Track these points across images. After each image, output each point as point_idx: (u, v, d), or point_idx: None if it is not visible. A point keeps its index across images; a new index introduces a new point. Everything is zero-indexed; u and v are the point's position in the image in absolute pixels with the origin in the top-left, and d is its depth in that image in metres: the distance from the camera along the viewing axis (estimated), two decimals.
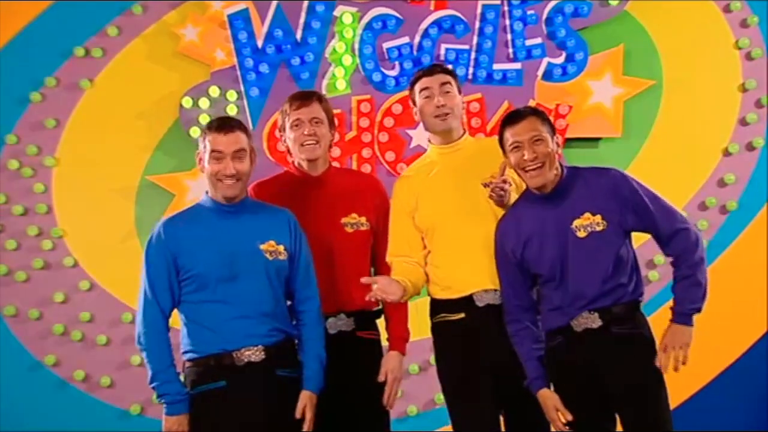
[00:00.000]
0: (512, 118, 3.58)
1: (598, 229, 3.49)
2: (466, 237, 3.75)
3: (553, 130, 3.59)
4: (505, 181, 3.66)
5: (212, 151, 3.53)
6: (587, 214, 3.51)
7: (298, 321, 3.65)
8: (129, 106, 5.46)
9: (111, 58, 5.47)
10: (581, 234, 3.50)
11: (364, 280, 3.63)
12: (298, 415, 3.53)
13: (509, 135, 3.55)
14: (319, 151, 3.86)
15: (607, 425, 3.55)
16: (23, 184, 5.41)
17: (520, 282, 3.63)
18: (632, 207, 3.51)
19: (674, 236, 3.51)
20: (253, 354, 3.49)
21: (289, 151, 3.94)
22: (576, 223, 3.51)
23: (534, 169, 3.51)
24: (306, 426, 3.53)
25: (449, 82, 3.84)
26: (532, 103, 5.44)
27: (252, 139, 3.66)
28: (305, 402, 3.55)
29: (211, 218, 3.57)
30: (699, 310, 3.49)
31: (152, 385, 3.49)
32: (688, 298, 3.48)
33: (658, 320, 3.59)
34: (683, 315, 3.47)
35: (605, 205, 3.50)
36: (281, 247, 3.58)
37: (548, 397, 3.55)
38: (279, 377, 3.52)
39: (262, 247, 3.55)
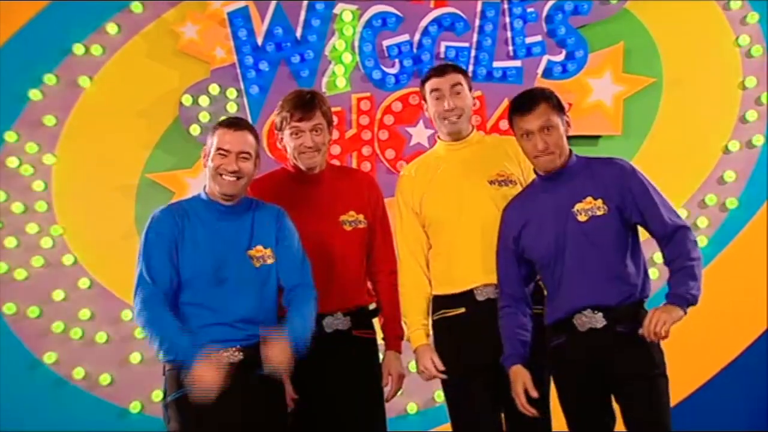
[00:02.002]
0: (522, 105, 3.56)
1: (598, 213, 3.49)
2: (468, 232, 3.77)
3: (562, 111, 3.58)
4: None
5: (218, 148, 3.51)
6: (589, 198, 3.50)
7: (286, 305, 3.58)
8: (129, 104, 5.46)
9: (111, 55, 5.47)
10: (582, 218, 3.49)
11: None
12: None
13: (519, 122, 3.55)
14: (318, 158, 3.86)
15: (606, 421, 3.55)
16: (23, 182, 5.41)
17: (515, 272, 3.63)
18: (635, 198, 3.49)
19: (676, 233, 3.48)
20: (231, 355, 3.45)
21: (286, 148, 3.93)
22: (577, 206, 3.50)
23: (544, 156, 3.51)
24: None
25: (460, 83, 3.85)
26: None
27: (260, 144, 3.62)
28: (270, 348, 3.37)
29: (206, 218, 3.54)
30: (694, 299, 3.41)
31: (161, 353, 3.38)
32: (685, 285, 3.41)
33: None
34: (677, 296, 3.40)
35: (608, 191, 3.50)
36: (269, 251, 3.55)
37: (519, 374, 3.55)
38: (259, 376, 3.45)
39: (250, 253, 3.52)
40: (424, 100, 3.92)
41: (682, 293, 3.40)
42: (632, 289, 3.48)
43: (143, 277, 3.45)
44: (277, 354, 3.35)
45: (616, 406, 3.54)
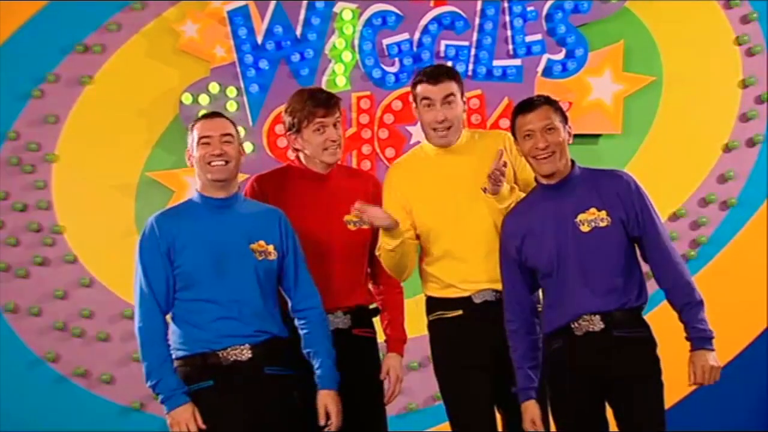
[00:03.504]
0: (525, 106, 3.56)
1: (602, 224, 3.48)
2: (464, 242, 3.73)
3: (565, 119, 3.58)
4: (505, 165, 3.61)
5: (200, 137, 3.54)
6: (593, 209, 3.50)
7: (301, 320, 3.62)
8: (129, 103, 5.46)
9: (111, 54, 5.47)
10: (585, 228, 3.49)
11: (357, 205, 3.58)
12: (321, 418, 3.51)
13: (521, 123, 3.54)
14: (340, 154, 3.86)
15: (601, 427, 3.56)
16: (23, 180, 5.42)
17: (521, 282, 3.61)
18: (636, 214, 3.50)
19: (663, 256, 3.51)
20: (239, 353, 3.46)
21: (295, 148, 3.89)
22: (580, 217, 3.50)
23: (545, 158, 3.51)
24: (333, 425, 3.52)
25: (453, 93, 3.73)
26: None
27: (239, 134, 3.64)
28: (325, 402, 3.53)
29: (202, 214, 3.55)
30: (713, 332, 3.47)
31: (148, 383, 3.47)
32: (700, 322, 3.46)
33: (654, 319, 3.60)
34: (702, 340, 3.45)
35: (612, 203, 3.50)
36: (271, 247, 3.55)
37: (530, 410, 3.55)
38: (267, 375, 3.48)
39: (252, 246, 3.53)
40: (414, 102, 3.82)
41: (702, 336, 3.45)
42: (629, 297, 3.49)
43: (143, 288, 3.50)
44: (331, 405, 3.54)
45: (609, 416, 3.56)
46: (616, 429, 3.53)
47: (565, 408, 3.53)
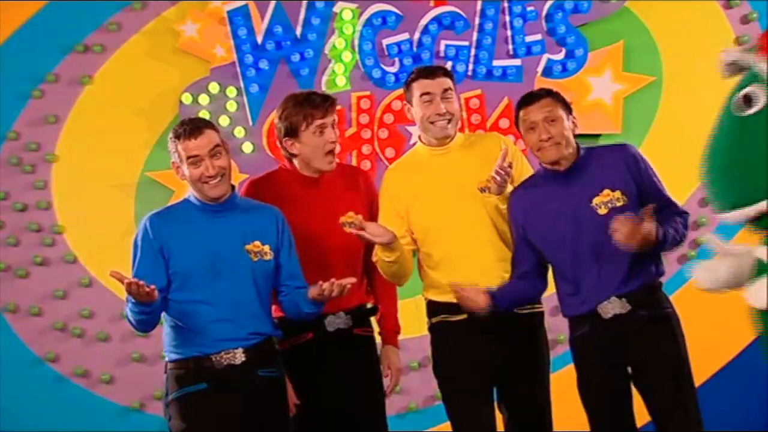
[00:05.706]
0: (527, 99, 3.59)
1: (618, 204, 3.51)
2: (465, 243, 3.72)
3: (569, 110, 3.60)
4: (510, 166, 3.62)
5: (188, 157, 3.49)
6: (606, 191, 3.52)
7: (286, 296, 3.61)
8: (129, 103, 5.46)
9: (111, 54, 5.47)
10: (602, 211, 3.51)
11: (351, 216, 3.54)
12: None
13: (524, 115, 3.57)
14: (335, 160, 3.86)
15: (629, 411, 3.58)
16: (23, 180, 5.42)
17: (524, 248, 3.64)
18: (640, 179, 3.54)
19: (667, 207, 3.53)
20: (232, 357, 3.46)
21: (291, 153, 3.88)
22: (596, 200, 3.52)
23: (549, 146, 3.51)
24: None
25: (450, 88, 3.77)
26: None
27: (220, 135, 3.59)
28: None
29: (197, 217, 3.54)
30: (671, 239, 3.45)
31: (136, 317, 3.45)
32: (672, 225, 3.46)
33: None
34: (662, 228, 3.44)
35: (622, 179, 3.53)
36: (267, 247, 3.55)
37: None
38: (260, 377, 3.49)
39: (247, 247, 3.52)
40: (409, 102, 3.83)
41: (664, 228, 3.43)
42: (650, 273, 3.52)
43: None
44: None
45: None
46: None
47: (595, 393, 3.55)
